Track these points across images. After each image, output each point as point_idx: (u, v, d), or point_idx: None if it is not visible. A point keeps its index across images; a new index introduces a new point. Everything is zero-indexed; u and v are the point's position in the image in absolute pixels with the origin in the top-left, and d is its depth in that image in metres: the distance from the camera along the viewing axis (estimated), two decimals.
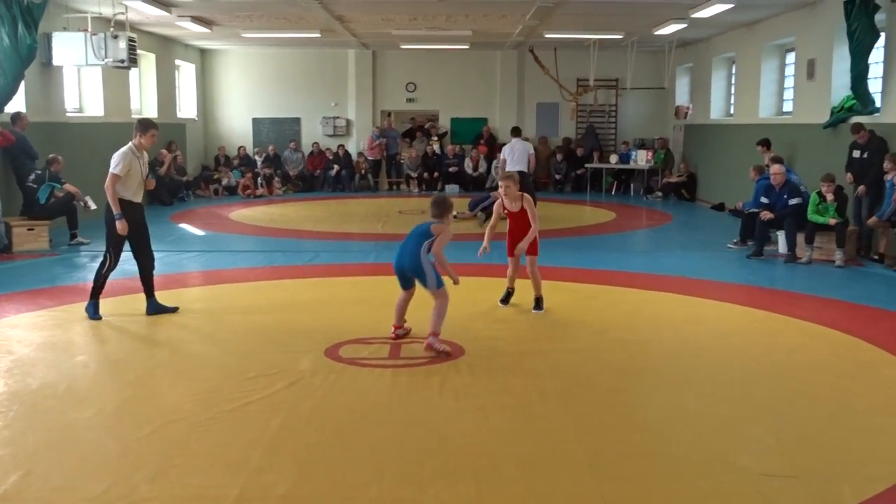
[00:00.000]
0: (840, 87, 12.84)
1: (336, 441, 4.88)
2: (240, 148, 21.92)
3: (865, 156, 11.34)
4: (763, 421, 5.35)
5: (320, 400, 5.61)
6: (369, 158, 22.02)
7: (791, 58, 15.27)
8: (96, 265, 8.10)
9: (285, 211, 17.52)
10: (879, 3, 11.49)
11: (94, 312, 7.86)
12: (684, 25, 16.03)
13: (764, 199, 11.62)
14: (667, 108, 22.12)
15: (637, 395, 5.84)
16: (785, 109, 15.77)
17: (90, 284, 8.04)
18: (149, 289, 8.10)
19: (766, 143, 14.11)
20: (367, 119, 22.66)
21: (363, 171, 21.99)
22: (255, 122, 22.70)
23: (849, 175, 11.49)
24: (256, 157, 21.65)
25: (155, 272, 8.21)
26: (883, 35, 11.68)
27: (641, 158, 21.06)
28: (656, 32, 17.05)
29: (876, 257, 11.22)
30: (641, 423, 5.26)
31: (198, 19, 16.02)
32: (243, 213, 16.86)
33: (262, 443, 4.81)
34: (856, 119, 11.71)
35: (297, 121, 22.81)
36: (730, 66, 18.60)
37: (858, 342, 7.11)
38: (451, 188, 21.29)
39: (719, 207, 17.35)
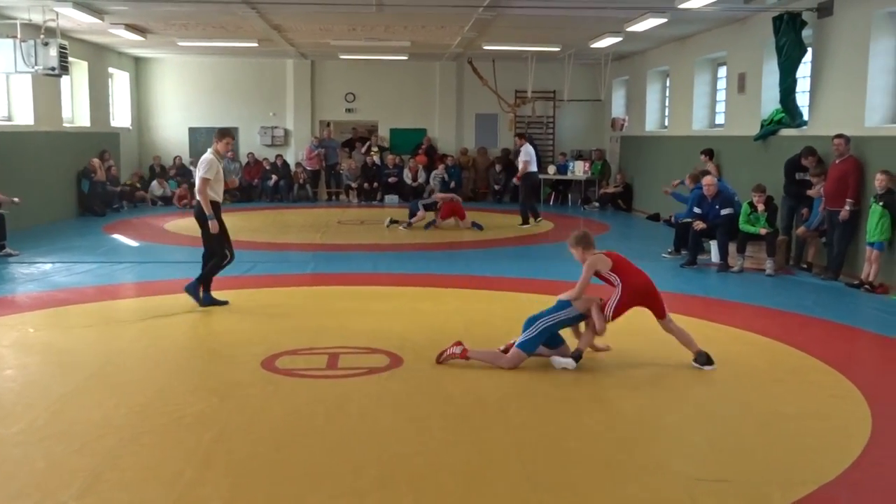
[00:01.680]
0: (769, 101, 13.16)
1: (272, 453, 4.82)
2: (175, 158, 21.59)
3: (807, 177, 11.57)
4: (697, 427, 5.46)
5: (256, 412, 5.55)
6: (308, 168, 21.88)
7: (723, 71, 15.61)
8: (26, 277, 7.89)
9: None
10: (806, 19, 11.84)
11: (211, 300, 8.60)
12: (619, 39, 16.29)
13: (697, 210, 11.85)
14: (603, 120, 22.44)
15: (575, 403, 5.87)
16: (717, 122, 16.11)
17: (17, 297, 7.83)
18: (209, 281, 8.71)
19: (709, 153, 14.41)
20: (306, 129, 22.53)
21: (301, 182, 21.84)
22: (192, 131, 22.38)
23: (817, 189, 11.20)
24: (192, 167, 21.32)
25: (91, 284, 8.07)
26: (810, 50, 12.03)
27: (579, 169, 21.32)
28: (592, 45, 17.29)
29: (805, 266, 11.53)
30: (579, 431, 5.31)
31: (131, 27, 15.75)
32: (179, 224, 16.60)
33: (195, 456, 4.73)
34: (807, 144, 11.62)
35: (234, 130, 22.54)
36: (664, 79, 18.96)
37: (788, 349, 7.29)
38: (391, 198, 21.28)
39: (655, 217, 17.63)
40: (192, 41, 17.87)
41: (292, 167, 22.08)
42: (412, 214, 15.87)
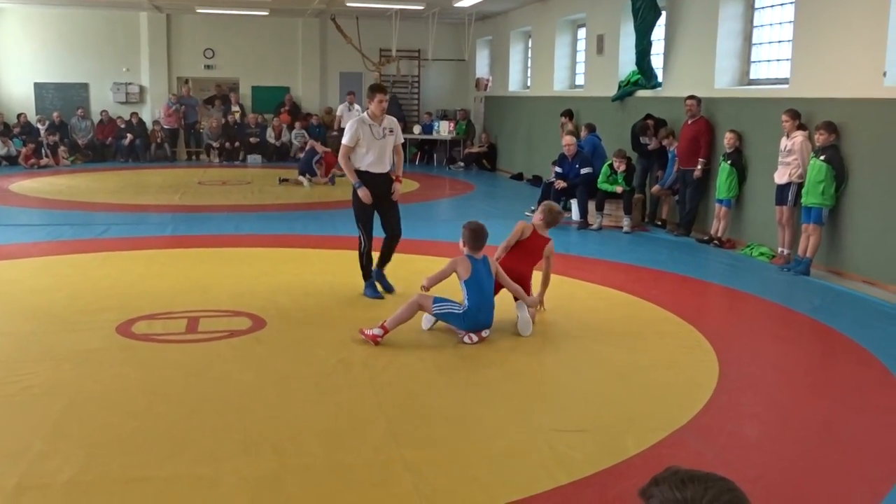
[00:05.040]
0: (627, 63, 13.51)
1: (128, 421, 4.65)
2: (20, 115, 20.34)
3: (650, 144, 12.05)
4: (556, 380, 5.61)
5: (111, 379, 5.33)
6: (165, 127, 21.07)
7: (582, 33, 15.91)
8: None
9: (74, 182, 16.48)
10: None
11: (373, 292, 7.56)
12: None
13: (557, 169, 12.11)
14: (468, 80, 22.54)
15: (437, 362, 5.90)
16: (577, 83, 16.44)
17: None
18: (381, 260, 7.75)
19: (568, 114, 14.69)
20: (163, 86, 21.62)
21: (159, 141, 21.02)
22: (38, 86, 21.11)
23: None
24: (39, 125, 20.18)
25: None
26: (664, 14, 12.38)
27: (444, 129, 21.40)
28: (456, 5, 17.28)
29: (659, 223, 11.99)
30: (443, 389, 5.35)
31: None
32: (26, 185, 15.72)
33: (45, 427, 4.51)
34: (661, 104, 12.08)
35: (84, 86, 21.42)
36: (526, 39, 19.16)
37: (643, 302, 7.57)
38: (254, 158, 20.79)
39: (518, 177, 17.91)
40: None
41: (149, 125, 21.20)
42: (310, 174, 16.16)
